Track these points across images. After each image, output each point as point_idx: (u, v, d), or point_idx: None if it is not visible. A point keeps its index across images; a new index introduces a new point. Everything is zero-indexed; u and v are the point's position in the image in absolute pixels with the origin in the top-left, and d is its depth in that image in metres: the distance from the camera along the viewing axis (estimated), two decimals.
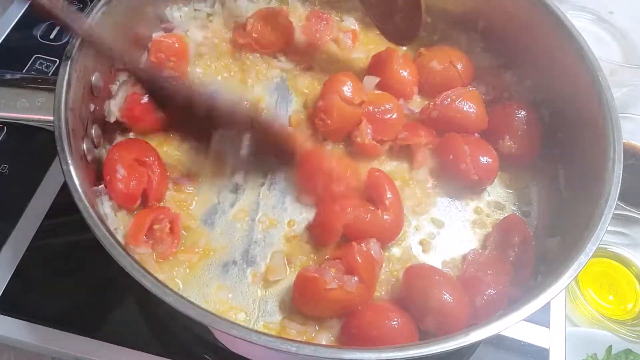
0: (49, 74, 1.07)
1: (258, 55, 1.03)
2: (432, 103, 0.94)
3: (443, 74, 0.98)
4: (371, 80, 0.94)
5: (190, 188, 0.88)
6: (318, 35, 1.05)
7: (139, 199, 0.83)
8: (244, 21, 1.04)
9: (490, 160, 0.89)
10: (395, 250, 0.85)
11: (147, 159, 0.84)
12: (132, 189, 0.82)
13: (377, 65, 0.99)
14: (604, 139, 0.78)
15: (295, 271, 0.80)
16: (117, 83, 0.92)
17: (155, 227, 0.80)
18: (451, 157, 0.89)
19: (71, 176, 0.69)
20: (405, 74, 0.98)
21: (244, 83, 1.02)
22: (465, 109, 0.92)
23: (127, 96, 0.91)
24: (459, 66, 0.98)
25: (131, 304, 0.85)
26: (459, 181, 0.90)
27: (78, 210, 0.66)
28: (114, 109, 0.88)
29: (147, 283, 0.61)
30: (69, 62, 0.76)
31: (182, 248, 0.82)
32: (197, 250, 0.82)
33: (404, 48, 1.06)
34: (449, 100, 0.93)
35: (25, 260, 0.87)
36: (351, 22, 1.10)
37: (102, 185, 0.81)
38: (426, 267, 0.82)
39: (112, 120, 0.89)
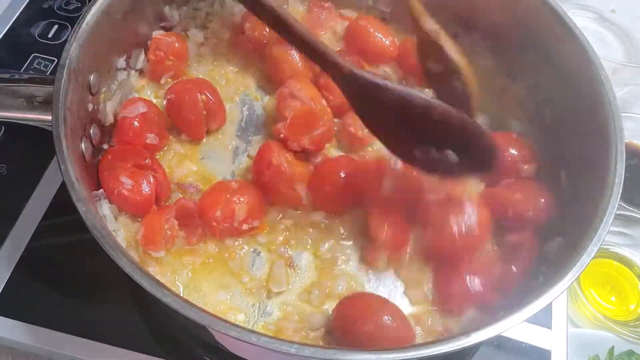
0: (47, 73, 1.06)
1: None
2: None
3: None
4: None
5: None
6: (319, 23, 1.05)
7: (154, 202, 0.82)
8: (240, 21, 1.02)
9: (546, 200, 0.85)
10: None
11: (145, 162, 0.82)
12: (146, 194, 0.80)
13: (353, 32, 1.02)
14: (606, 138, 0.77)
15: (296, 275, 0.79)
16: (116, 82, 0.91)
17: (165, 226, 0.79)
18: (510, 212, 0.84)
19: (69, 176, 0.68)
20: (380, 37, 1.01)
21: (245, 83, 1.01)
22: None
23: (117, 121, 0.87)
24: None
25: (130, 305, 0.84)
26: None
27: (76, 211, 0.66)
28: (109, 110, 0.87)
29: (146, 284, 0.61)
30: (67, 61, 0.75)
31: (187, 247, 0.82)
32: (199, 252, 0.82)
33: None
34: None
35: (23, 261, 0.86)
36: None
37: (101, 190, 0.80)
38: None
39: (107, 123, 0.87)
